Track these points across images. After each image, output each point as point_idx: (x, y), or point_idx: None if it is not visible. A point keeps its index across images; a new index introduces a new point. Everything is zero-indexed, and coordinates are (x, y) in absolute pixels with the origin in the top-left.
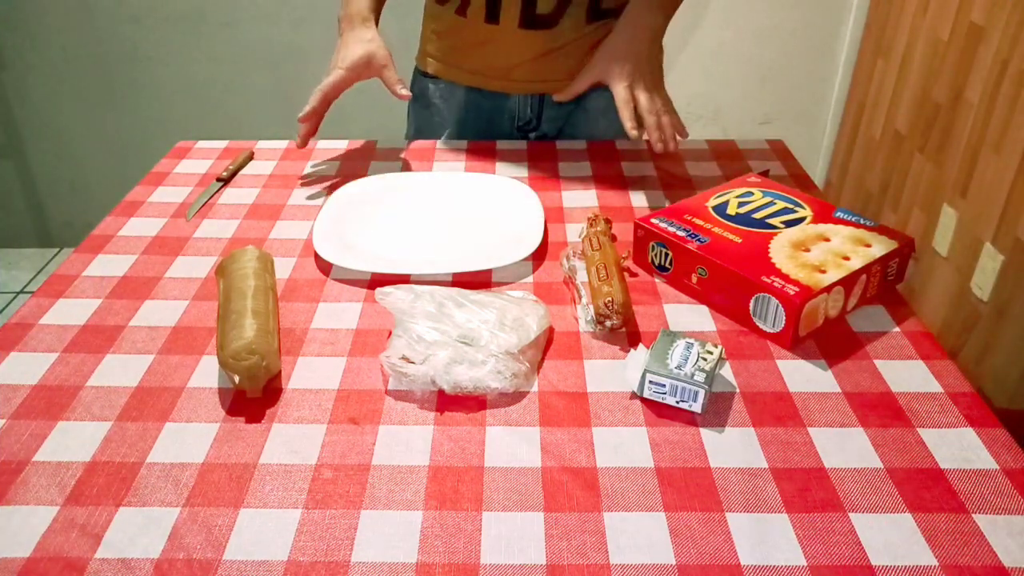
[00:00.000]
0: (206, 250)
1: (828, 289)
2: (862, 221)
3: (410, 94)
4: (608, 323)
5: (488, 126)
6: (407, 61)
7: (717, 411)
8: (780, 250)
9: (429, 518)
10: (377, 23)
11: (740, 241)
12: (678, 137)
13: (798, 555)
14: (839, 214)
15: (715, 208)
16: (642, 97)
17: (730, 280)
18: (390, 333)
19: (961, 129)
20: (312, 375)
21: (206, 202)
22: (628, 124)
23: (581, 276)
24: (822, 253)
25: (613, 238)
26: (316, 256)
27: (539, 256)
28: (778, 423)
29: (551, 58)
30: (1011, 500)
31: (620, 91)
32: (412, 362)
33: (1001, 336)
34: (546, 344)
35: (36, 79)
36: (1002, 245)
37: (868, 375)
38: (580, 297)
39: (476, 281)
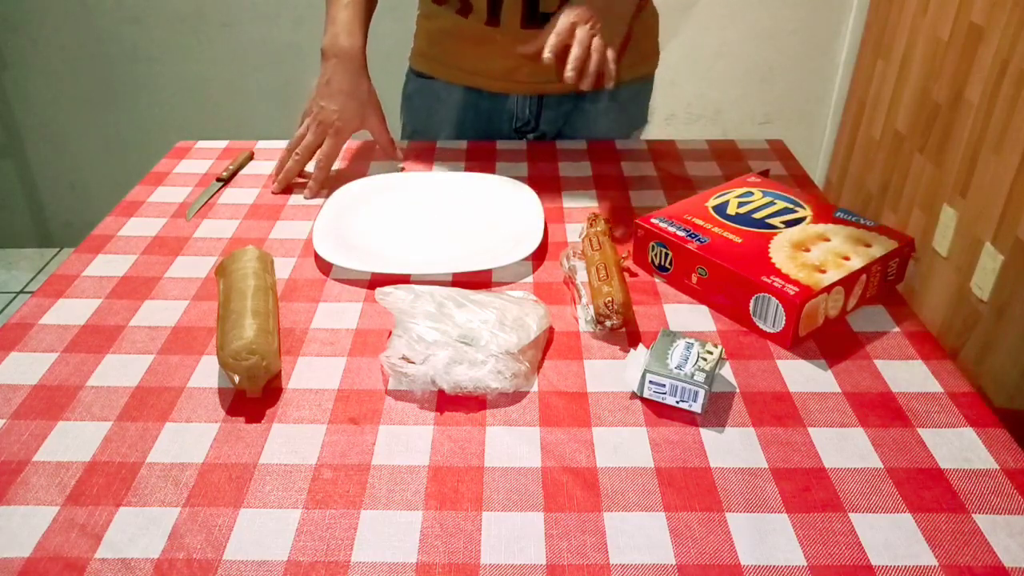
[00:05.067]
0: (206, 250)
1: (828, 289)
2: (862, 221)
3: (401, 154)
4: (608, 323)
5: (487, 127)
6: (401, 61)
7: (717, 411)
8: (780, 250)
9: (429, 518)
10: (365, 40)
11: (740, 241)
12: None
13: (798, 555)
14: (839, 214)
15: (715, 208)
16: (580, 31)
17: (730, 280)
18: (390, 333)
19: (961, 129)
20: (312, 375)
21: (206, 202)
22: (546, 50)
23: (581, 276)
24: (822, 253)
25: (613, 238)
26: (316, 256)
27: (539, 256)
28: (778, 423)
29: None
30: (1011, 500)
31: (562, 20)
32: (412, 362)
33: (1001, 336)
34: (546, 344)
35: (36, 79)
36: (1002, 245)
37: (868, 375)
38: (580, 297)
39: (476, 281)
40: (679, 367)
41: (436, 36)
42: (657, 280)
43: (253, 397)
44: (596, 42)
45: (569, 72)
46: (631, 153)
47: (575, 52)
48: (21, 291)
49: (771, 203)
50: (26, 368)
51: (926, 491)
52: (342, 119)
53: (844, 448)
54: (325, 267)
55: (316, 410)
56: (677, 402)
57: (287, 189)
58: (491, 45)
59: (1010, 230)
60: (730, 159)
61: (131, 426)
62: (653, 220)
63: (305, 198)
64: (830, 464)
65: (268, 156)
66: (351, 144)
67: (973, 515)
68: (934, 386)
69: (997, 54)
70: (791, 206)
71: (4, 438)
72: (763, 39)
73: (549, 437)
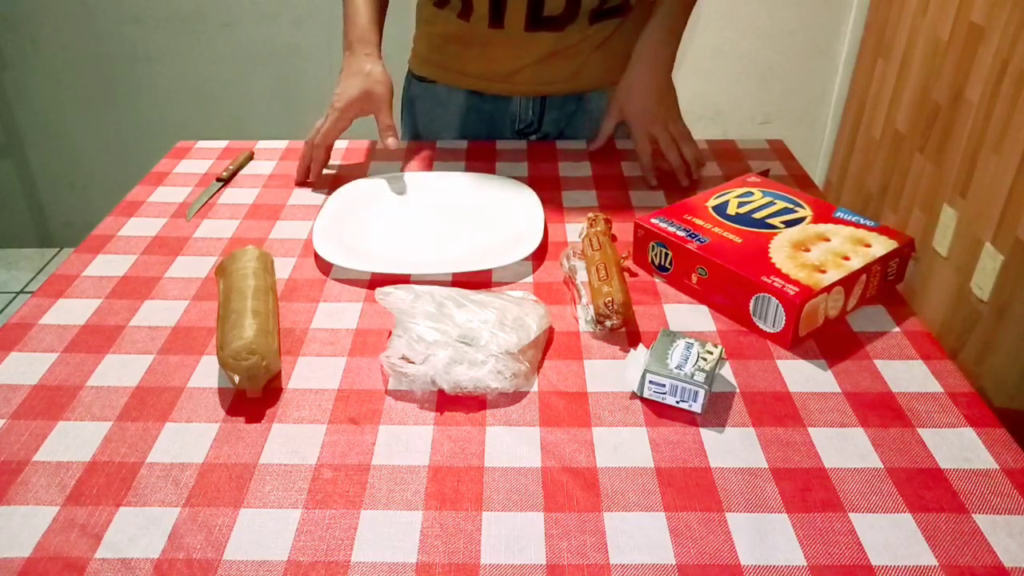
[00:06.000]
0: (206, 250)
1: (828, 289)
2: (862, 221)
3: (398, 144)
4: (608, 323)
5: (489, 129)
6: (402, 64)
7: (717, 411)
8: (780, 250)
9: (429, 518)
10: (380, 36)
11: (740, 241)
12: (698, 168)
13: (798, 555)
14: (839, 214)
15: (715, 208)
16: (661, 137)
17: (730, 280)
18: (390, 333)
19: (961, 129)
20: (312, 375)
21: (206, 202)
22: (648, 175)
23: (581, 276)
24: (822, 253)
25: (613, 238)
26: (316, 256)
27: (539, 256)
28: (778, 423)
29: (554, 60)
30: (1011, 500)
31: (640, 139)
32: (412, 362)
33: (1001, 336)
34: (546, 344)
35: (36, 79)
36: (1002, 245)
37: (868, 375)
38: (580, 297)
39: (476, 281)
40: (679, 367)
41: (437, 41)
42: (657, 280)
43: (253, 397)
44: (684, 148)
45: (684, 182)
46: (631, 153)
47: (678, 171)
48: (21, 291)
49: (771, 203)
50: (26, 368)
51: (926, 491)
52: (341, 99)
53: (844, 448)
54: (325, 267)
55: (316, 410)
56: (677, 402)
57: (306, 182)
58: (494, 47)
59: (1010, 230)
60: (730, 159)
61: (131, 426)
62: (653, 220)
63: (296, 183)
64: (830, 464)
65: (268, 156)
66: (351, 145)
67: (973, 515)
68: (934, 386)
69: (997, 54)
70: (791, 206)
71: (4, 438)
72: (763, 39)
73: (549, 437)
